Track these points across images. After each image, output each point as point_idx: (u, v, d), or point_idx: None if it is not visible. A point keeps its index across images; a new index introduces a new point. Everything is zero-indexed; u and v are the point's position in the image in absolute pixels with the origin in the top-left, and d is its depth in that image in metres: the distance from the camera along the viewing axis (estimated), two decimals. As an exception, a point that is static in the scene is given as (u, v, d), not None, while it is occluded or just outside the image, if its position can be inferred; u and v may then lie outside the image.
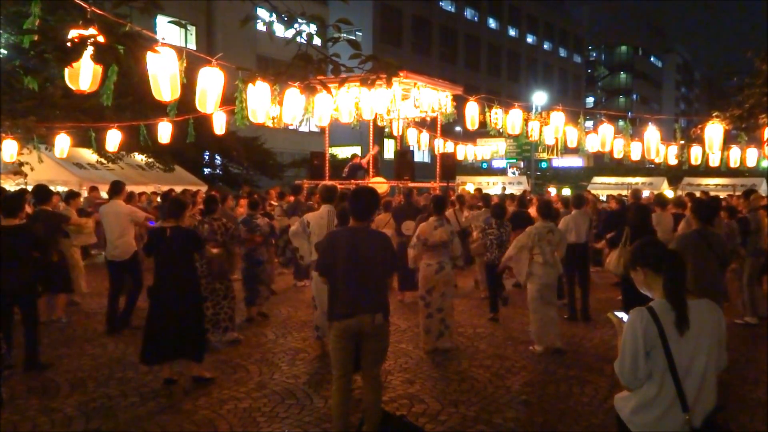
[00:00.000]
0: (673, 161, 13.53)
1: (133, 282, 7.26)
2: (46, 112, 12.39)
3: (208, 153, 22.91)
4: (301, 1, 4.05)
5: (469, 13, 45.12)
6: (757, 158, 13.36)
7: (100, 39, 3.02)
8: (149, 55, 5.20)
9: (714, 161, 12.75)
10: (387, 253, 4.11)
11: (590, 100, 69.70)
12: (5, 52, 12.11)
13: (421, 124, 16.59)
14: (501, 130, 12.10)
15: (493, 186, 25.38)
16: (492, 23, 47.35)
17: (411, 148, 16.76)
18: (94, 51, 2.98)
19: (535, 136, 12.61)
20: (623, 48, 72.77)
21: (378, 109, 11.08)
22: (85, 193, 13.36)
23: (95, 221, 8.50)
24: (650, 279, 2.60)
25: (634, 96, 72.46)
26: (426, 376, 5.64)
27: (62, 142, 11.85)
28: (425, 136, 17.04)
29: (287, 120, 8.82)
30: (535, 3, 50.20)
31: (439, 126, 14.75)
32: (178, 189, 14.26)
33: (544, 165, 34.26)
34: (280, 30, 3.59)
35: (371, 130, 13.70)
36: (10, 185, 11.88)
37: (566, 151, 20.30)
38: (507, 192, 20.14)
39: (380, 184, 12.54)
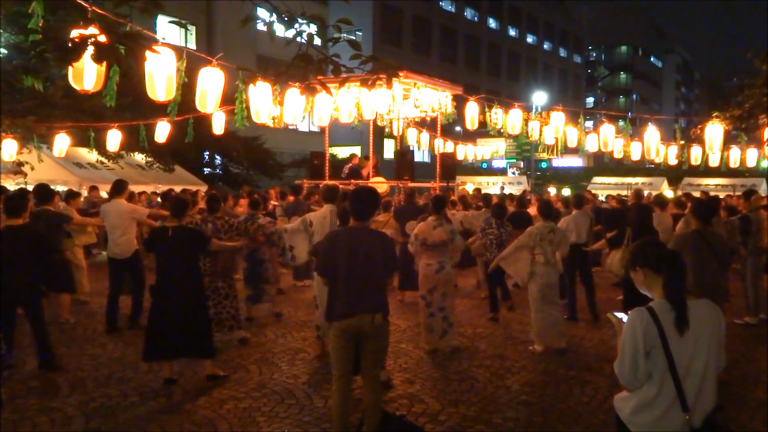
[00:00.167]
0: (673, 161, 13.53)
1: (133, 281, 7.28)
2: (46, 112, 12.39)
3: (208, 153, 22.90)
4: (301, 1, 4.06)
5: (469, 13, 45.13)
6: (757, 158, 13.37)
7: (101, 39, 3.02)
8: (148, 54, 5.20)
9: (714, 161, 12.75)
10: (387, 253, 4.11)
11: (590, 100, 69.75)
12: (5, 52, 12.11)
13: (421, 124, 16.58)
14: (501, 130, 12.09)
15: (492, 186, 25.38)
16: (492, 23, 47.36)
17: (411, 148, 16.74)
18: (95, 51, 2.98)
19: (535, 136, 12.60)
20: (623, 48, 72.82)
21: (378, 109, 11.08)
22: (85, 193, 13.37)
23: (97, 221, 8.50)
24: (650, 279, 2.60)
25: (634, 96, 72.50)
26: (426, 376, 5.64)
27: (62, 142, 11.85)
28: (425, 136, 17.03)
29: (288, 120, 8.82)
30: (535, 3, 50.20)
31: (439, 126, 14.73)
32: (178, 189, 14.25)
33: (544, 165, 34.26)
34: (280, 30, 3.59)
35: (371, 130, 13.69)
36: (10, 184, 11.88)
37: (566, 151, 20.31)
38: (506, 192, 20.14)
39: (380, 184, 12.54)
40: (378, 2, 36.38)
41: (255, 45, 28.35)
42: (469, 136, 21.42)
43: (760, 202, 8.54)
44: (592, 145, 12.69)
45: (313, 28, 3.45)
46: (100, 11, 3.78)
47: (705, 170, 17.40)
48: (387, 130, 15.24)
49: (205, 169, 23.44)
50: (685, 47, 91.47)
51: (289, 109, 8.06)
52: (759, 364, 6.14)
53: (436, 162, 15.33)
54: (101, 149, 14.37)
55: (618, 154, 12.87)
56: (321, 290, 5.62)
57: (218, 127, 10.42)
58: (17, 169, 12.41)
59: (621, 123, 12.70)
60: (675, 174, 26.34)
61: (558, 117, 11.80)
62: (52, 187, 9.36)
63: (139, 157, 18.49)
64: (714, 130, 10.71)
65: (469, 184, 20.32)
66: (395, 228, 8.95)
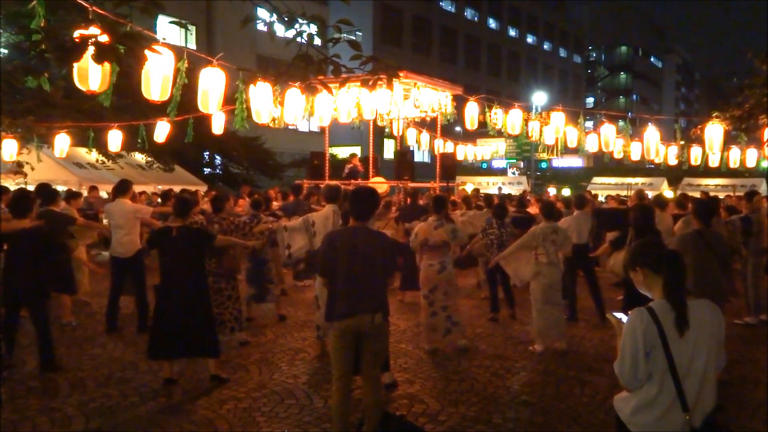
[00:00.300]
0: (673, 161, 13.52)
1: (134, 281, 7.26)
2: (46, 112, 12.39)
3: (208, 153, 22.91)
4: (301, 1, 4.06)
5: (469, 13, 45.12)
6: (757, 159, 13.35)
7: (102, 39, 3.02)
8: (148, 54, 5.19)
9: (714, 162, 12.74)
10: (387, 253, 4.11)
11: (590, 100, 69.74)
12: (5, 52, 12.11)
13: (421, 124, 16.59)
14: (501, 130, 12.09)
15: (492, 186, 25.39)
16: (492, 23, 47.36)
17: (411, 148, 16.76)
18: (96, 51, 2.98)
19: (535, 137, 12.60)
20: (623, 48, 72.77)
21: (379, 109, 11.08)
22: (84, 193, 13.37)
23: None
24: (650, 279, 2.60)
25: (634, 96, 72.49)
26: (426, 376, 5.64)
27: (62, 142, 11.85)
28: (425, 136, 17.04)
29: (288, 120, 8.82)
30: (535, 3, 50.19)
31: (439, 126, 14.75)
32: (178, 189, 14.25)
33: (544, 165, 34.28)
34: (280, 30, 3.59)
35: (371, 130, 13.70)
36: (10, 184, 11.87)
37: (566, 151, 20.30)
38: (504, 192, 20.12)
39: (380, 184, 12.55)
40: (378, 2, 36.37)
41: (255, 45, 28.36)
42: (469, 137, 21.43)
43: (761, 203, 8.54)
44: (592, 145, 12.68)
45: (313, 29, 3.46)
46: (100, 11, 3.78)
47: (705, 170, 17.39)
48: (387, 130, 15.26)
49: (205, 169, 23.45)
50: (685, 47, 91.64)
51: (289, 109, 8.06)
52: (759, 364, 6.14)
53: (436, 162, 15.35)
54: (101, 149, 14.36)
55: (618, 155, 12.87)
56: (323, 291, 5.62)
57: (218, 127, 10.41)
58: (17, 169, 12.41)
59: (621, 123, 12.68)
60: (675, 174, 26.35)
61: (558, 117, 11.80)
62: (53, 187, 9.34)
63: (139, 157, 18.49)
64: (714, 131, 10.70)
65: (468, 184, 20.32)
66: (396, 228, 8.95)
